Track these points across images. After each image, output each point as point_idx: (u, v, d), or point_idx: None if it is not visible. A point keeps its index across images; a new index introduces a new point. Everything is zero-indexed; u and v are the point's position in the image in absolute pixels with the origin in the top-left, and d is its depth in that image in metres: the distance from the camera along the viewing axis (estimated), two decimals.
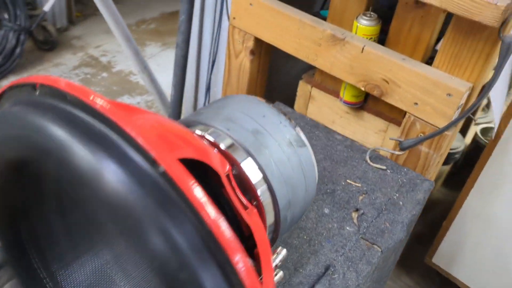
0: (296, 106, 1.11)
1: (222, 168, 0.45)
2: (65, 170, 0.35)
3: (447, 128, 0.76)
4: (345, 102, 0.98)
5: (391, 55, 0.83)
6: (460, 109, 0.81)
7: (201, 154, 0.40)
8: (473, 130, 1.53)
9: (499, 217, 0.96)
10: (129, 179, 0.32)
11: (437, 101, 0.80)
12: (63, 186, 0.44)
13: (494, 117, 0.87)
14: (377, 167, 0.78)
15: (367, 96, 1.00)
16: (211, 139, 0.49)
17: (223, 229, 0.32)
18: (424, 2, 0.73)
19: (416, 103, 0.83)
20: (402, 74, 0.82)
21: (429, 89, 0.80)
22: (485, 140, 1.46)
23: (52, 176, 0.42)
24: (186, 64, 1.22)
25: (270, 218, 0.50)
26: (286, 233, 0.63)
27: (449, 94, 0.78)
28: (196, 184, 0.32)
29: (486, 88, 0.69)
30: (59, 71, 1.83)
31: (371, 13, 0.88)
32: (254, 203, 0.49)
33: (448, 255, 1.08)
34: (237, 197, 0.43)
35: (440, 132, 0.75)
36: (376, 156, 0.81)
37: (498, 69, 0.68)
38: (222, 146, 0.48)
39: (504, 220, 0.96)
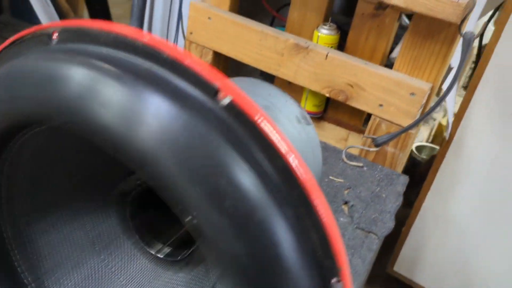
0: None
1: None
2: (91, 121, 0.30)
3: (415, 124, 0.80)
4: (307, 113, 1.00)
5: (354, 60, 0.87)
6: (422, 108, 0.85)
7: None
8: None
9: (457, 216, 1.01)
10: (187, 114, 0.29)
11: (401, 101, 0.84)
12: (79, 149, 0.38)
13: (448, 115, 0.93)
14: (354, 165, 0.79)
15: (326, 106, 1.02)
16: None
17: (297, 165, 0.29)
18: (388, 3, 0.78)
19: (381, 105, 0.86)
20: (366, 77, 0.86)
21: (393, 90, 0.84)
22: (421, 156, 1.55)
23: (67, 138, 0.37)
24: None
25: None
26: None
27: (412, 94, 0.83)
28: (263, 116, 0.30)
29: (451, 82, 0.74)
30: None
31: (331, 23, 0.92)
32: None
33: (409, 261, 1.11)
34: None
35: (411, 126, 0.79)
36: (351, 156, 0.82)
37: (460, 65, 0.73)
38: None
39: (462, 219, 1.01)
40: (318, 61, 0.89)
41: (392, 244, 1.15)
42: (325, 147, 0.82)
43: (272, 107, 0.50)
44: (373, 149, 0.81)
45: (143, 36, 0.31)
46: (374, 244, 0.62)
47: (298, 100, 1.02)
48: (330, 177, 0.74)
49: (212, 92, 0.30)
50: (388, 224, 0.67)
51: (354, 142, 1.00)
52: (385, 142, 0.80)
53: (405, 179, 0.78)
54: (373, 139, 0.80)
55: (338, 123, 1.01)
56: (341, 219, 0.65)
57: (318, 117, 1.02)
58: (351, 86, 0.87)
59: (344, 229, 0.63)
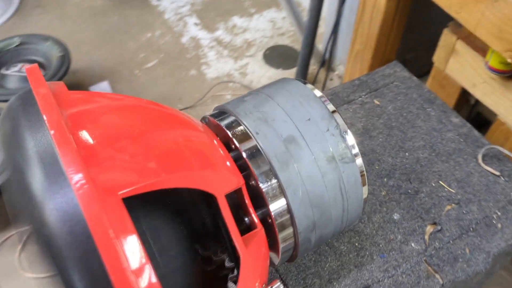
0: (435, 57, 0.93)
1: (233, 183, 0.41)
2: None
3: None
4: (490, 69, 0.79)
5: None
6: None
7: (191, 180, 0.37)
8: None
9: None
10: None
11: None
12: None
13: None
14: (488, 171, 0.63)
15: None
16: (236, 143, 0.44)
17: None
18: None
19: None
20: None
21: None
22: None
23: None
24: None
25: (287, 237, 0.45)
26: (313, 249, 0.53)
27: None
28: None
29: None
30: None
31: None
32: (270, 220, 0.44)
33: None
34: (234, 220, 0.40)
35: None
36: (494, 156, 0.65)
37: None
38: (244, 154, 0.43)
39: None
40: (507, 13, 0.67)
41: None
42: (466, 135, 0.66)
43: (299, 140, 0.44)
44: None
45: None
46: None
47: (486, 49, 0.80)
48: (441, 182, 0.62)
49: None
50: (473, 268, 0.55)
51: None
52: None
53: None
54: None
55: None
56: (412, 244, 0.57)
57: (507, 76, 0.79)
58: None
59: (406, 259, 0.55)
